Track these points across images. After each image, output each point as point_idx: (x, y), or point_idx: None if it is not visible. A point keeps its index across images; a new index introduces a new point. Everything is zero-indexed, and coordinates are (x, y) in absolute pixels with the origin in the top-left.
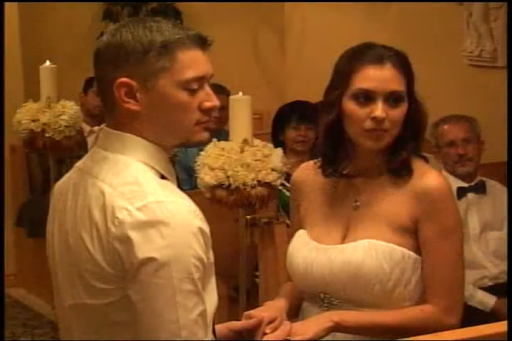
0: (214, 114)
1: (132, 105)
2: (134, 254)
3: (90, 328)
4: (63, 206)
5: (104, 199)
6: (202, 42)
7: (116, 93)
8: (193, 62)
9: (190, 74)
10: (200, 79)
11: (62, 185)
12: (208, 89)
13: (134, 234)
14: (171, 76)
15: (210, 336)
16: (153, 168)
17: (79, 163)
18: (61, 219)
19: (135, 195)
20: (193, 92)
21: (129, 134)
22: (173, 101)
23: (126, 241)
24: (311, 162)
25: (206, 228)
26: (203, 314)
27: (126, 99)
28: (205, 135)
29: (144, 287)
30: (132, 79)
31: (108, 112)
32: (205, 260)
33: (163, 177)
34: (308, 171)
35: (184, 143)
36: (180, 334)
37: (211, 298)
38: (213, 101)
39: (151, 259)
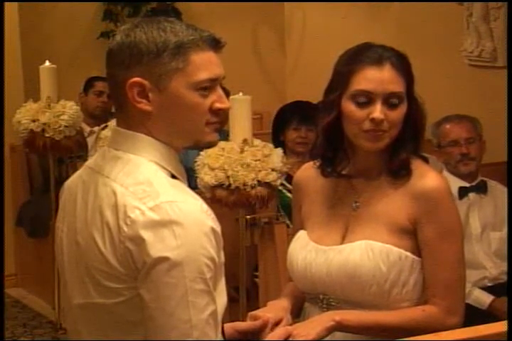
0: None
1: (144, 105)
2: (147, 254)
3: (99, 327)
4: (73, 205)
5: (116, 199)
6: (215, 44)
7: (128, 93)
8: (206, 64)
9: (203, 75)
10: (213, 81)
11: (72, 184)
12: (219, 90)
13: (146, 234)
14: (184, 77)
15: (220, 336)
16: (164, 168)
17: (89, 162)
18: (71, 218)
19: (147, 195)
20: (205, 94)
21: (140, 134)
22: (186, 102)
23: (139, 240)
24: (312, 162)
25: (217, 228)
26: (214, 314)
27: (138, 99)
28: (215, 136)
29: (156, 286)
30: (145, 80)
31: (119, 112)
32: (217, 260)
33: (173, 177)
34: (309, 172)
35: (194, 145)
36: (192, 334)
37: (221, 298)
38: (224, 103)
39: (163, 259)
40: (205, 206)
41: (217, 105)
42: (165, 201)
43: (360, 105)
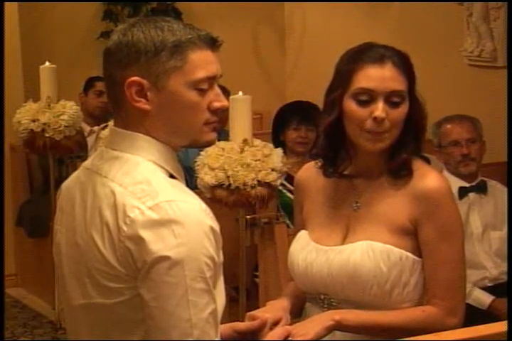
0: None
1: (143, 104)
2: (147, 253)
3: (100, 327)
4: (71, 206)
5: (115, 199)
6: (212, 43)
7: (127, 92)
8: (203, 63)
9: (200, 74)
10: (210, 80)
11: (69, 185)
12: (217, 89)
13: (146, 233)
14: (182, 76)
15: (219, 336)
16: (162, 167)
17: (86, 163)
18: (69, 218)
19: (146, 194)
20: (202, 92)
21: (138, 133)
22: (184, 101)
23: (138, 240)
24: (314, 162)
25: (216, 227)
26: (214, 313)
27: (137, 98)
28: (213, 135)
29: (156, 285)
30: (143, 79)
31: (117, 111)
32: (216, 259)
33: (172, 176)
34: (310, 171)
35: (192, 144)
36: (192, 333)
37: (219, 298)
38: (222, 101)
39: (163, 258)
40: (203, 205)
41: (215, 104)
42: (164, 200)
43: (362, 104)
